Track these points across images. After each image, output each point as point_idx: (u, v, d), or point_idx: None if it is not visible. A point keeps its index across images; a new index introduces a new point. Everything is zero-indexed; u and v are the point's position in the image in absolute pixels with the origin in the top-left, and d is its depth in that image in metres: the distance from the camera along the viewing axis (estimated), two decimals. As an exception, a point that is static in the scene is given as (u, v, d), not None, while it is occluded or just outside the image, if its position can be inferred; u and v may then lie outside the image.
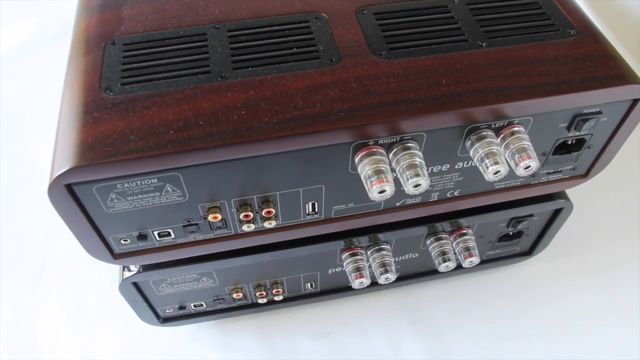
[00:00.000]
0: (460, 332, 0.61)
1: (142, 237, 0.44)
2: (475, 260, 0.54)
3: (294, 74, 0.42)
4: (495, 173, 0.42)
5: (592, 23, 0.47)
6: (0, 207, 0.72)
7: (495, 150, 0.42)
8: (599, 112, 0.45)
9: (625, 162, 0.77)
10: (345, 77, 0.41)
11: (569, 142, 0.48)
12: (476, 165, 0.43)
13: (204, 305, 0.57)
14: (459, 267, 0.56)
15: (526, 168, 0.42)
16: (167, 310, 0.57)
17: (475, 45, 0.44)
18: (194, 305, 0.57)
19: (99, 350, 0.61)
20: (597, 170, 0.52)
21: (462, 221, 0.54)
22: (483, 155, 0.42)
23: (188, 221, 0.44)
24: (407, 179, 0.40)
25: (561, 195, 0.56)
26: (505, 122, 0.43)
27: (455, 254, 0.55)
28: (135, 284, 0.51)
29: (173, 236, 0.45)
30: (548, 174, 0.50)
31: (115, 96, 0.40)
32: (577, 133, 0.46)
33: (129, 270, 0.50)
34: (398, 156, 0.41)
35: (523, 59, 0.43)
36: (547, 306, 0.63)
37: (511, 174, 0.48)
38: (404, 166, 0.41)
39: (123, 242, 0.44)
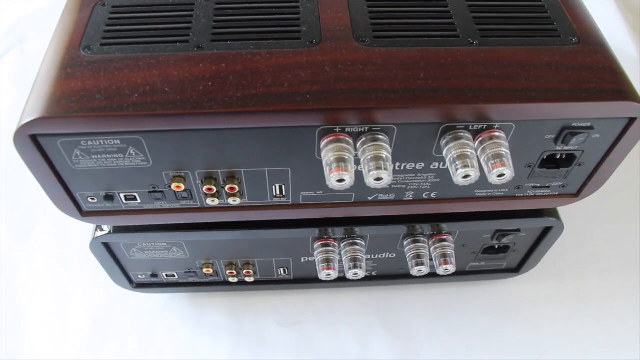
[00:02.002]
0: (433, 341, 0.59)
1: (109, 197, 0.45)
2: (451, 268, 0.52)
3: (270, 51, 0.41)
4: (465, 177, 0.40)
5: (599, 34, 0.45)
6: (5, 158, 0.75)
7: (468, 154, 0.40)
8: (590, 128, 0.42)
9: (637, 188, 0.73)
10: (320, 60, 0.41)
11: (558, 157, 0.45)
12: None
13: (176, 277, 0.58)
14: (438, 274, 0.54)
15: (500, 176, 0.40)
16: (140, 276, 0.57)
17: (465, 43, 0.42)
18: (167, 275, 0.57)
19: (73, 307, 0.62)
20: (589, 190, 0.49)
21: (442, 226, 0.52)
22: (455, 156, 0.40)
23: (153, 187, 0.44)
24: (369, 171, 0.39)
25: (552, 213, 0.53)
26: (485, 126, 0.41)
27: (431, 259, 0.53)
28: (106, 245, 0.52)
29: (139, 201, 0.46)
30: (535, 188, 0.48)
31: (92, 55, 0.41)
32: (565, 147, 0.43)
33: (101, 230, 0.51)
34: (364, 147, 0.40)
35: (513, 62, 0.41)
36: (528, 329, 0.60)
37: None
38: (369, 157, 0.39)
39: (90, 200, 0.45)
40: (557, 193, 0.49)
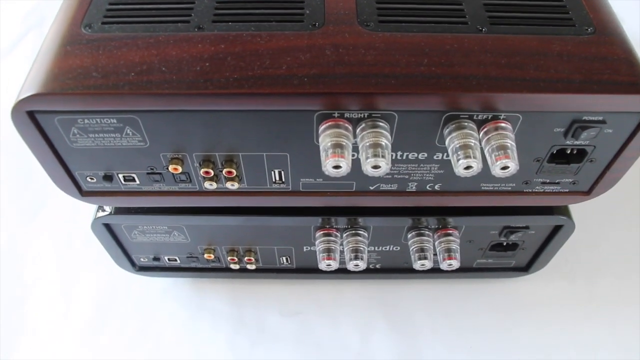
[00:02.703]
0: (436, 338, 0.57)
1: (108, 178, 0.45)
2: (455, 264, 0.51)
3: (271, 33, 0.40)
4: (467, 168, 0.38)
5: (617, 24, 0.43)
6: (18, 139, 0.76)
7: (471, 144, 0.39)
8: (602, 122, 0.40)
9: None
10: (321, 43, 0.40)
11: (568, 152, 0.43)
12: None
13: (178, 261, 0.57)
14: (444, 270, 0.53)
15: (503, 168, 0.38)
16: (142, 259, 0.57)
17: (474, 30, 0.41)
18: (169, 259, 0.57)
19: (77, 287, 0.63)
20: (601, 189, 0.47)
21: (448, 220, 0.51)
22: (457, 146, 0.39)
23: (151, 169, 0.44)
24: (367, 158, 0.38)
25: (563, 211, 0.51)
26: (490, 116, 0.39)
27: (436, 254, 0.52)
28: (107, 226, 0.52)
29: (138, 182, 0.45)
30: (544, 183, 0.46)
31: (92, 33, 0.40)
32: (576, 142, 0.42)
33: (103, 211, 0.51)
34: (363, 133, 0.39)
35: (522, 51, 0.40)
36: (534, 330, 0.58)
37: (505, 177, 0.45)
38: (367, 144, 0.38)
39: (89, 180, 0.45)
40: (567, 190, 0.47)
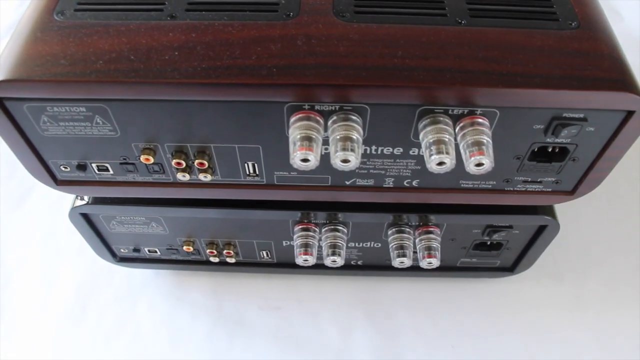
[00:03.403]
0: (417, 337, 0.56)
1: (81, 167, 0.44)
2: (435, 262, 0.50)
3: (243, 23, 0.39)
4: (439, 164, 0.37)
5: (603, 19, 0.41)
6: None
7: (445, 139, 0.37)
8: (583, 119, 0.39)
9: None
10: (293, 34, 0.39)
11: (550, 150, 0.42)
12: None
13: (158, 253, 0.57)
14: (425, 268, 0.52)
15: (477, 165, 0.37)
16: (122, 250, 0.57)
17: (453, 22, 0.40)
18: (149, 251, 0.57)
19: (58, 276, 0.62)
20: (585, 188, 0.45)
21: (429, 217, 0.50)
22: (431, 141, 0.38)
23: (124, 159, 0.43)
24: (336, 152, 0.37)
25: (548, 211, 0.50)
26: (466, 111, 0.38)
27: (416, 252, 0.51)
28: (85, 216, 0.51)
29: (112, 172, 0.45)
30: (525, 182, 0.45)
31: (64, 20, 0.40)
32: (556, 140, 0.40)
33: (81, 200, 0.50)
34: (334, 126, 0.38)
35: (501, 44, 0.38)
36: (518, 331, 0.57)
37: (484, 174, 0.44)
38: (337, 137, 0.37)
39: (63, 168, 0.45)
40: (550, 189, 0.46)
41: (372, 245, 0.54)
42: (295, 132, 0.38)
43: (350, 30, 0.39)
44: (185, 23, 0.39)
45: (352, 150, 0.37)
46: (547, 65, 0.37)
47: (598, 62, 0.38)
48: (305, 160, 0.37)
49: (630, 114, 0.38)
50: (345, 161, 0.37)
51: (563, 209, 0.58)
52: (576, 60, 0.38)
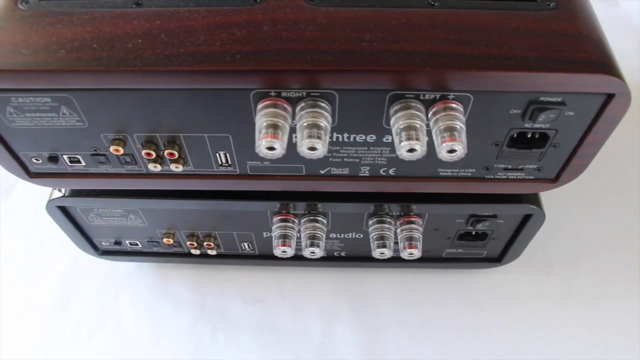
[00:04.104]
0: (402, 330, 0.55)
1: (53, 159, 0.44)
2: (416, 253, 0.48)
3: (209, 9, 0.38)
4: (410, 151, 0.36)
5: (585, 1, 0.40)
6: None
7: (416, 125, 0.36)
8: (562, 103, 0.37)
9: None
10: (260, 19, 0.37)
11: (529, 136, 0.41)
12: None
13: (140, 245, 0.56)
14: (406, 259, 0.51)
15: (450, 152, 0.36)
16: (104, 243, 0.56)
17: (425, 4, 0.38)
18: (130, 243, 0.56)
19: (42, 270, 0.62)
20: (569, 176, 0.44)
21: (410, 207, 0.48)
22: (402, 127, 0.36)
23: (95, 150, 0.43)
24: (302, 139, 0.36)
25: (532, 200, 0.48)
26: (438, 96, 0.37)
27: (397, 242, 0.50)
28: (63, 209, 0.51)
29: (84, 164, 0.44)
30: (506, 170, 0.43)
31: (27, 9, 0.39)
32: (535, 125, 0.39)
33: (59, 192, 0.50)
34: (301, 113, 0.37)
35: (475, 26, 0.37)
36: (506, 323, 0.56)
37: (461, 161, 0.43)
38: (304, 124, 0.36)
39: (35, 161, 0.44)
40: (532, 177, 0.44)
41: (354, 236, 0.53)
42: (261, 119, 0.36)
43: (318, 15, 0.38)
44: (150, 10, 0.38)
45: (319, 137, 0.36)
46: (522, 47, 0.36)
47: (576, 44, 0.36)
48: (270, 148, 0.36)
49: (610, 97, 0.37)
50: (312, 149, 0.36)
51: (554, 200, 0.56)
52: (553, 41, 0.36)
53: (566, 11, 0.38)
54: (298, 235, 0.50)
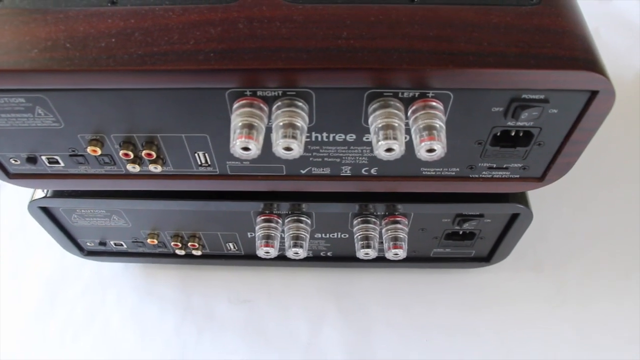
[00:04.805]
0: (390, 331, 0.55)
1: (31, 160, 0.43)
2: (401, 253, 0.48)
3: (185, 7, 0.37)
4: (387, 150, 0.35)
5: (567, -5, 0.39)
6: None
7: (395, 124, 0.35)
8: (545, 101, 0.36)
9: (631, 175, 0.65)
10: (235, 17, 0.37)
11: (513, 134, 0.40)
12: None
13: (125, 246, 0.56)
14: (391, 259, 0.50)
15: (429, 151, 0.35)
16: (89, 244, 0.56)
17: (405, 0, 0.38)
18: (115, 244, 0.56)
19: (28, 271, 0.62)
20: (555, 175, 0.43)
21: (395, 207, 0.48)
22: (380, 126, 0.35)
23: (73, 151, 0.42)
24: (277, 139, 0.35)
25: (519, 199, 0.47)
26: (417, 94, 0.36)
27: (382, 242, 0.49)
28: (45, 210, 0.50)
29: (63, 164, 0.44)
30: (490, 169, 0.43)
31: (1, 7, 0.38)
32: (518, 123, 0.38)
33: (43, 192, 0.49)
34: (278, 112, 0.36)
35: (455, 22, 0.36)
36: (495, 324, 0.55)
37: (444, 160, 0.42)
38: (280, 124, 0.35)
39: (13, 162, 0.44)
40: (518, 176, 0.43)
41: (339, 236, 0.53)
42: (236, 119, 0.36)
43: (294, 12, 0.37)
44: (125, 9, 0.38)
45: (295, 137, 0.35)
46: (502, 43, 0.35)
47: (558, 39, 0.35)
48: (245, 148, 0.35)
49: (594, 94, 0.36)
50: (287, 149, 0.35)
51: (544, 198, 0.55)
52: (535, 37, 0.35)
53: (549, 6, 0.37)
54: (283, 236, 0.50)
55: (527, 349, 0.54)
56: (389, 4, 0.37)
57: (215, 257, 0.57)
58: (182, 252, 0.55)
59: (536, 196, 0.49)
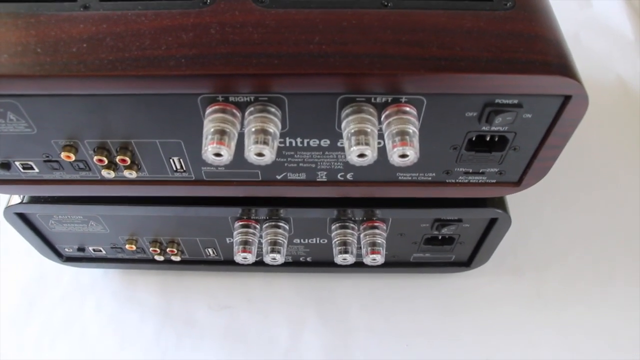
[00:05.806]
0: (370, 336, 0.54)
1: (5, 165, 0.43)
2: (379, 259, 0.48)
3: (157, 12, 0.37)
4: (360, 156, 0.35)
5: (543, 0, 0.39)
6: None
7: (367, 130, 0.35)
8: (518, 105, 0.36)
9: (620, 177, 0.66)
10: (207, 22, 0.37)
11: (488, 139, 0.40)
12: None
13: (103, 252, 0.55)
14: (370, 265, 0.50)
15: (401, 156, 0.35)
16: (67, 250, 0.55)
17: (378, 4, 0.37)
18: (93, 250, 0.55)
19: (6, 276, 0.61)
20: (532, 179, 0.43)
21: (373, 212, 0.47)
22: (352, 132, 0.35)
23: (47, 156, 0.42)
24: (249, 145, 0.35)
25: (497, 204, 0.47)
26: (390, 99, 0.36)
27: (361, 247, 0.49)
28: (21, 216, 0.50)
29: (37, 170, 0.43)
30: (467, 174, 0.43)
31: (-28, 13, 0.38)
32: (492, 128, 0.38)
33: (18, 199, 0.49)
34: (250, 118, 0.36)
35: (427, 27, 0.36)
36: (476, 328, 0.55)
37: (419, 166, 0.42)
38: (252, 130, 0.35)
39: (-14, 167, 0.43)
40: (494, 181, 0.43)
41: (318, 242, 0.52)
42: (208, 125, 0.36)
43: (267, 17, 0.37)
44: (97, 14, 0.37)
45: (266, 143, 0.35)
46: (474, 48, 0.35)
47: (531, 44, 0.35)
48: (217, 154, 0.35)
49: (567, 98, 0.36)
50: (259, 155, 0.35)
51: (524, 203, 0.55)
52: (507, 42, 0.35)
53: (523, 11, 0.37)
54: (261, 241, 0.50)
55: (508, 353, 0.53)
56: (361, 9, 0.37)
57: (194, 262, 0.56)
58: (161, 258, 0.54)
59: (516, 201, 0.49)
